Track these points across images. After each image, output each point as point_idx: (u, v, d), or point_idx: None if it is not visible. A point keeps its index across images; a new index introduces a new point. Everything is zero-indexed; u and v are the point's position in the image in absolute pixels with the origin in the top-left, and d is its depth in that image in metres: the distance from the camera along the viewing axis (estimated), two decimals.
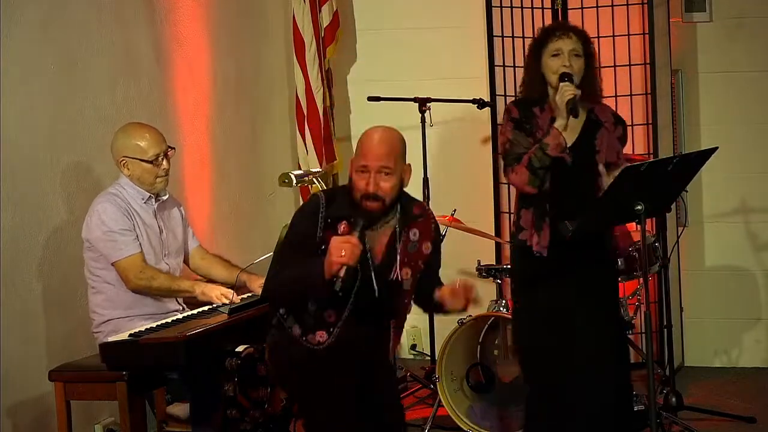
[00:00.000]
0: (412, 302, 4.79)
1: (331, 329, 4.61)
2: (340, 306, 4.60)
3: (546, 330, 5.15)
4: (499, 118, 7.24)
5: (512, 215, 5.27)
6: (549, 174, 5.05)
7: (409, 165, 4.71)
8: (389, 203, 4.62)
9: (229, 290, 5.52)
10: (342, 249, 4.41)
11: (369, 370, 4.70)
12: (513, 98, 7.18)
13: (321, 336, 4.62)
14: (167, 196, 5.65)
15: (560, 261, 5.10)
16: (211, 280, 5.78)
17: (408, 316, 4.84)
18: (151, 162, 5.49)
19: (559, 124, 5.03)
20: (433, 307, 4.84)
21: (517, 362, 5.47)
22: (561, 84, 5.03)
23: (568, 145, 5.05)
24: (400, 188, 4.67)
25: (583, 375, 5.10)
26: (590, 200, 5.05)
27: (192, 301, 5.63)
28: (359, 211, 4.59)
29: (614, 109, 5.28)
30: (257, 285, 5.55)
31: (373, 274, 4.60)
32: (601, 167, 5.10)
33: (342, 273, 4.42)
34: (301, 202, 7.31)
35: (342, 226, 4.58)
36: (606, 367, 5.13)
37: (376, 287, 4.58)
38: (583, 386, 5.10)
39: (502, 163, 5.25)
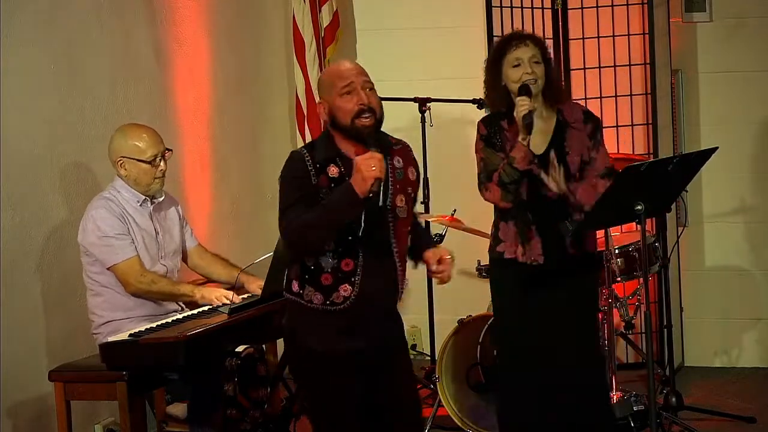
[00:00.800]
0: (409, 234, 4.78)
1: (353, 278, 4.58)
2: (352, 251, 4.58)
3: (521, 333, 5.23)
4: None
5: (493, 226, 5.33)
6: (522, 186, 5.10)
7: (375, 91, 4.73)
8: (379, 119, 4.61)
9: (229, 292, 5.52)
10: (371, 164, 4.42)
11: (388, 331, 4.71)
12: None
13: (345, 290, 4.57)
14: (163, 197, 5.64)
15: (536, 268, 5.16)
16: (210, 280, 5.78)
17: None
18: (148, 163, 5.49)
19: (521, 137, 5.06)
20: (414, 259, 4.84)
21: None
22: (517, 99, 5.08)
23: (539, 153, 5.10)
24: (382, 109, 4.65)
25: (556, 375, 5.15)
26: (567, 203, 5.09)
27: (192, 301, 5.63)
28: (356, 130, 4.55)
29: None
30: (256, 286, 5.55)
31: (374, 205, 4.57)
32: (552, 157, 5.12)
33: (375, 187, 4.43)
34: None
35: (332, 169, 4.56)
36: (578, 368, 5.17)
37: (380, 197, 4.53)
38: (555, 386, 5.16)
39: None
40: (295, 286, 4.65)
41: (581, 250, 5.19)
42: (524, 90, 5.09)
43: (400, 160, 4.71)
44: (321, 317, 4.60)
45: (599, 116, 5.64)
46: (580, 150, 5.16)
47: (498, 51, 5.22)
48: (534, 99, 5.11)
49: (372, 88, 4.61)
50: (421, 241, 4.83)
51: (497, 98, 5.22)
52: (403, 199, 4.66)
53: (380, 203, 4.53)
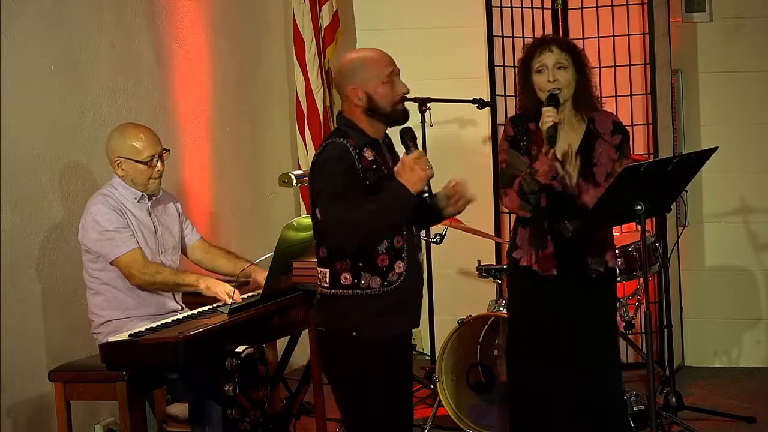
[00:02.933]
0: None
1: (402, 254, 4.66)
2: (399, 228, 4.67)
3: (530, 339, 5.17)
4: (500, 118, 7.28)
5: (510, 215, 5.27)
6: (542, 195, 5.01)
7: None
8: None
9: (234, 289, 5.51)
10: (423, 163, 4.55)
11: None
12: (513, 98, 7.23)
13: (399, 266, 4.65)
14: (161, 193, 5.64)
15: (551, 279, 5.10)
16: (216, 274, 5.76)
17: None
18: (145, 163, 5.48)
19: (545, 149, 4.96)
20: (429, 217, 4.89)
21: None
22: (543, 109, 4.97)
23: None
24: None
25: (570, 379, 5.11)
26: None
27: (192, 301, 5.62)
28: (396, 116, 4.67)
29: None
30: (262, 277, 5.53)
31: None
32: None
33: (427, 185, 4.56)
34: (302, 202, 7.32)
35: (367, 152, 4.63)
36: (595, 371, 5.13)
37: (426, 193, 4.62)
38: (572, 390, 5.11)
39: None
40: (347, 279, 4.64)
41: (604, 266, 5.10)
42: (552, 100, 4.97)
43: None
44: (376, 302, 4.64)
45: None
46: (607, 160, 5.06)
47: (525, 55, 5.13)
48: (562, 106, 5.01)
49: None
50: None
51: (528, 102, 5.11)
52: None
53: (428, 200, 4.64)
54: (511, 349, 5.34)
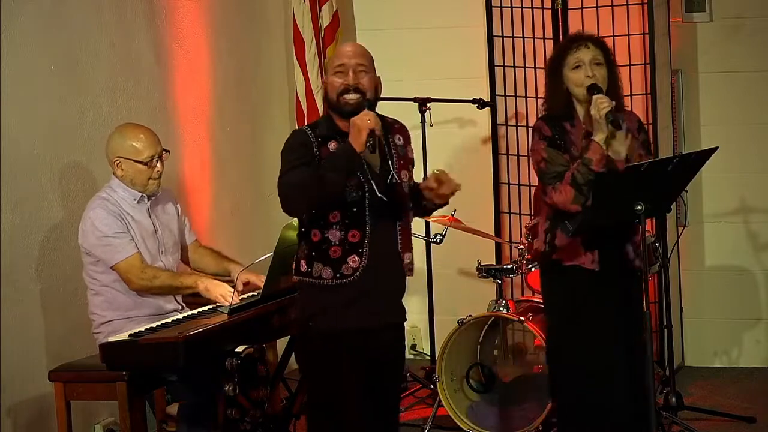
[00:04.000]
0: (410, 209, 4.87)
1: (360, 249, 4.67)
2: (359, 223, 4.67)
3: (586, 348, 5.10)
4: (499, 118, 7.28)
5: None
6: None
7: (379, 77, 4.83)
8: (370, 100, 4.72)
9: (232, 289, 5.52)
10: (366, 117, 4.56)
11: (393, 314, 4.81)
12: (513, 98, 7.24)
13: (353, 261, 4.67)
14: (160, 193, 5.64)
15: (597, 276, 5.07)
16: (203, 273, 5.77)
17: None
18: (145, 163, 5.48)
19: (599, 138, 4.95)
20: (418, 207, 4.89)
21: (518, 364, 5.47)
22: (594, 97, 4.95)
23: (620, 158, 5.00)
24: (376, 93, 4.77)
25: (614, 388, 5.08)
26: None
27: (192, 301, 5.62)
28: (339, 108, 4.70)
29: None
30: (256, 278, 5.55)
31: (374, 183, 4.68)
32: None
33: (372, 139, 4.54)
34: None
35: (332, 144, 4.68)
36: (632, 377, 5.10)
37: (378, 192, 4.66)
38: (613, 398, 5.09)
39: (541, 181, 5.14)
40: (303, 266, 4.74)
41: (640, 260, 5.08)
42: (595, 89, 4.97)
43: (401, 138, 4.87)
44: (331, 293, 4.69)
45: None
46: (636, 157, 5.04)
47: (558, 53, 5.11)
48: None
49: (365, 71, 4.75)
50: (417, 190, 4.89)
51: (558, 101, 5.10)
52: (407, 174, 4.82)
53: (391, 179, 4.65)
54: (556, 356, 5.27)
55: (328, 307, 4.71)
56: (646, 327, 4.93)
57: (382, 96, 4.80)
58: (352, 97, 4.71)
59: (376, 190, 4.65)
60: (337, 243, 4.67)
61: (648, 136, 5.24)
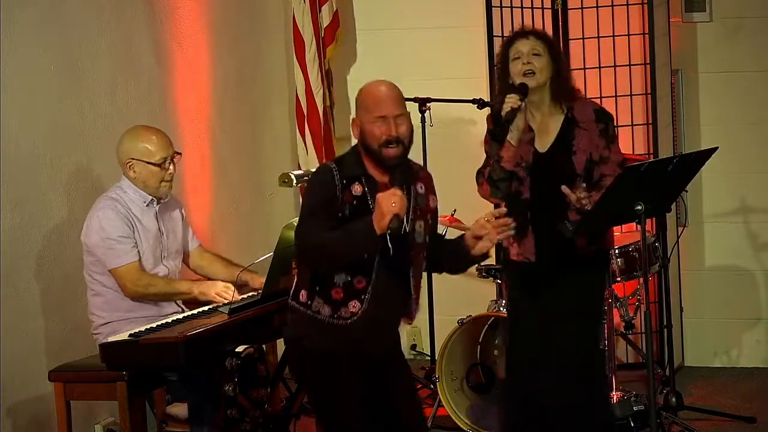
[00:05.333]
0: (426, 260, 4.84)
1: (363, 296, 4.64)
2: (367, 270, 4.64)
3: (525, 333, 5.25)
4: None
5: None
6: (525, 183, 5.11)
7: (409, 112, 4.78)
8: (407, 147, 4.68)
9: (229, 284, 5.52)
10: (391, 200, 4.47)
11: (393, 347, 4.81)
12: None
13: (354, 306, 4.64)
14: (169, 198, 5.65)
15: (530, 267, 5.18)
16: (210, 280, 5.77)
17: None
18: (158, 165, 5.49)
19: (510, 136, 5.07)
20: (450, 264, 4.89)
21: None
22: (507, 95, 5.08)
23: (543, 151, 5.11)
24: (412, 135, 4.72)
25: (552, 376, 5.16)
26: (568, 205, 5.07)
27: (192, 303, 5.62)
28: (381, 158, 4.63)
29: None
30: (259, 283, 5.55)
31: (388, 237, 4.60)
32: (578, 180, 5.10)
33: (394, 224, 4.46)
34: (301, 203, 7.31)
35: (356, 187, 4.63)
36: (576, 368, 5.17)
37: (390, 246, 4.56)
38: (552, 387, 5.16)
39: None
40: (303, 296, 4.71)
41: (597, 247, 5.17)
42: (519, 88, 5.08)
43: (423, 187, 4.81)
44: (326, 328, 4.67)
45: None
46: (588, 149, 5.12)
47: (502, 47, 5.23)
48: (538, 94, 5.10)
49: (403, 115, 4.68)
50: (452, 244, 4.86)
51: (504, 94, 5.19)
52: (422, 225, 4.76)
53: (403, 231, 4.56)
54: (508, 348, 5.45)
55: (322, 335, 4.68)
56: (596, 316, 5.04)
57: None
58: (393, 149, 4.62)
59: (390, 245, 4.56)
60: (340, 285, 4.65)
61: (611, 123, 5.22)
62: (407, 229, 4.63)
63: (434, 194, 4.87)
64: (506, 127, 5.05)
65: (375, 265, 4.63)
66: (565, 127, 5.16)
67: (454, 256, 4.83)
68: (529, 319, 5.23)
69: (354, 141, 4.80)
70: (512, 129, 5.07)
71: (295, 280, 4.78)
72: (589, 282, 5.27)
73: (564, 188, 5.02)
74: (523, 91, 5.08)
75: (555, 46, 5.21)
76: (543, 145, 5.15)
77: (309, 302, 4.69)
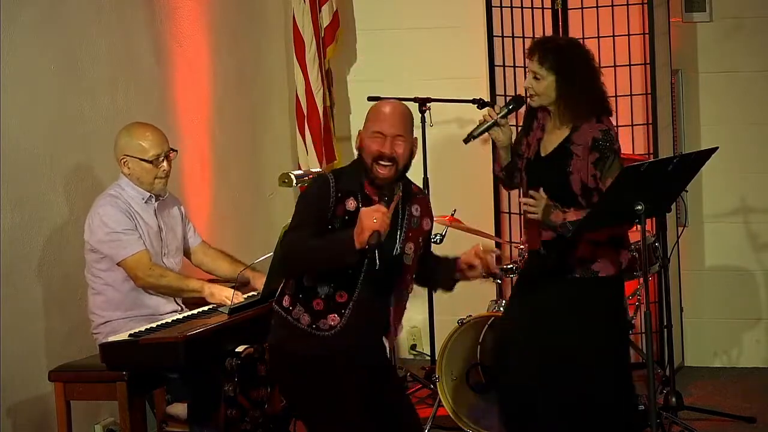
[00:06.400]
0: (413, 281, 4.83)
1: (343, 310, 4.63)
2: (350, 285, 4.63)
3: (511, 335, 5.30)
4: None
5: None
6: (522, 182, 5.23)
7: (416, 138, 4.77)
8: (401, 169, 4.67)
9: (238, 292, 5.52)
10: (372, 216, 4.43)
11: (376, 360, 4.78)
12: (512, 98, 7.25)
13: (333, 319, 4.63)
14: (167, 195, 5.66)
15: (532, 270, 5.26)
16: (215, 276, 5.77)
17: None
18: (150, 162, 5.50)
19: (498, 144, 5.29)
20: (438, 282, 4.89)
21: None
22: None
23: (543, 154, 5.15)
24: (410, 159, 4.71)
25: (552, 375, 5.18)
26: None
27: (192, 301, 5.62)
28: (372, 176, 4.63)
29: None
30: (260, 283, 5.55)
31: (376, 251, 4.60)
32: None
33: (373, 240, 4.43)
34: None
35: (350, 202, 4.63)
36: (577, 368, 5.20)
37: (377, 261, 4.57)
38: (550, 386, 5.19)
39: None
40: (287, 301, 4.72)
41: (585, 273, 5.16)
42: (512, 102, 5.28)
43: (419, 209, 4.80)
44: (305, 336, 4.67)
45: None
46: (582, 174, 5.07)
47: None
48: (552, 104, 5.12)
49: (403, 137, 4.65)
50: (445, 262, 4.85)
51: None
52: (412, 247, 4.74)
53: (377, 264, 4.55)
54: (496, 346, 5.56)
55: (303, 341, 4.67)
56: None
57: (382, 96, 4.80)
58: (385, 167, 4.60)
59: (377, 261, 4.56)
60: (322, 297, 4.64)
61: (606, 155, 5.05)
62: (397, 249, 4.64)
63: (430, 217, 4.85)
64: (472, 139, 5.26)
65: (359, 282, 4.63)
66: (563, 144, 5.13)
67: (445, 277, 4.83)
68: (518, 318, 5.25)
69: (354, 141, 4.81)
70: (495, 139, 5.27)
71: (283, 282, 4.79)
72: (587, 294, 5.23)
73: (531, 192, 5.08)
74: (515, 105, 5.25)
75: (569, 65, 5.12)
76: (546, 149, 5.14)
77: (291, 308, 4.69)
